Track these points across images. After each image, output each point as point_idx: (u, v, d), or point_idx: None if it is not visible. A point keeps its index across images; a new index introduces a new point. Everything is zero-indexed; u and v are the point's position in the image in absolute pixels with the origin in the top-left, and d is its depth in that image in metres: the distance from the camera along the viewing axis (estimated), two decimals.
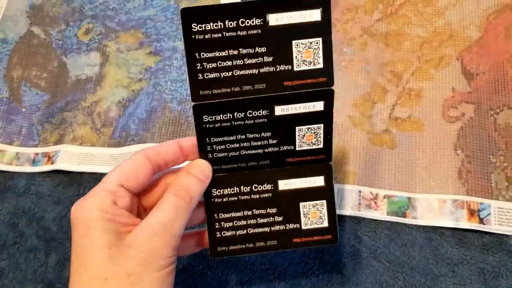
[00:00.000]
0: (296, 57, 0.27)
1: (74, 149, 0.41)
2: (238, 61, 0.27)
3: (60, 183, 0.41)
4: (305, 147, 0.30)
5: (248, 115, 0.28)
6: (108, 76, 0.44)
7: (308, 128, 0.29)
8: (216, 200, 0.30)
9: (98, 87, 0.44)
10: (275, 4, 0.26)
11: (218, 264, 0.36)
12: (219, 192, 0.30)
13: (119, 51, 0.45)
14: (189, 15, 0.26)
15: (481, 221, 0.35)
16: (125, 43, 0.45)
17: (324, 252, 0.36)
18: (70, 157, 0.41)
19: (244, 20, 0.27)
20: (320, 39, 0.27)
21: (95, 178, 0.40)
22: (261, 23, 0.27)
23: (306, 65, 0.27)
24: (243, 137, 0.29)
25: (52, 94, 0.45)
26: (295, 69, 0.27)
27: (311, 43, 0.27)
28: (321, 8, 0.27)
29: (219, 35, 0.27)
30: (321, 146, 0.30)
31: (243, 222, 0.30)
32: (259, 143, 0.29)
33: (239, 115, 0.28)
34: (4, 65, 0.46)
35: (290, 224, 0.30)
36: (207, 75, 0.27)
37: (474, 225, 0.35)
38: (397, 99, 0.40)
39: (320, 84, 0.28)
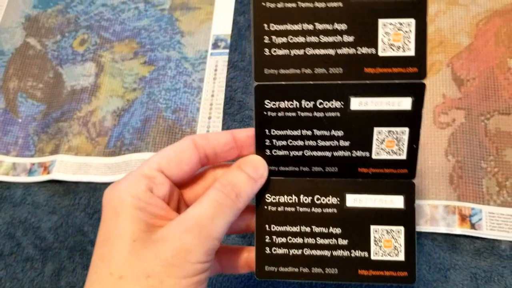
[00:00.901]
0: (382, 39, 0.23)
1: (69, 159, 0.42)
2: (313, 37, 0.23)
3: (56, 192, 0.41)
4: (384, 156, 0.25)
5: (318, 105, 0.24)
6: (103, 86, 0.45)
7: (390, 131, 0.24)
8: (269, 208, 0.26)
9: (93, 97, 0.44)
10: None
11: None
12: (273, 198, 0.26)
13: (114, 61, 0.46)
14: None
15: (472, 226, 0.35)
16: (119, 53, 0.46)
17: None
18: (66, 167, 0.41)
19: None
20: (413, 20, 0.22)
21: (91, 187, 0.41)
22: None
23: (394, 50, 0.23)
24: (309, 133, 0.25)
25: (48, 104, 0.45)
26: (380, 54, 0.23)
27: (401, 24, 0.23)
28: None
29: (293, 4, 0.23)
30: (403, 157, 0.24)
31: (299, 240, 0.26)
32: (327, 143, 0.25)
33: (307, 105, 0.24)
34: (0, 76, 0.47)
35: (357, 251, 0.25)
36: (275, 51, 0.24)
37: (466, 231, 0.35)
38: None
39: (408, 76, 0.23)
